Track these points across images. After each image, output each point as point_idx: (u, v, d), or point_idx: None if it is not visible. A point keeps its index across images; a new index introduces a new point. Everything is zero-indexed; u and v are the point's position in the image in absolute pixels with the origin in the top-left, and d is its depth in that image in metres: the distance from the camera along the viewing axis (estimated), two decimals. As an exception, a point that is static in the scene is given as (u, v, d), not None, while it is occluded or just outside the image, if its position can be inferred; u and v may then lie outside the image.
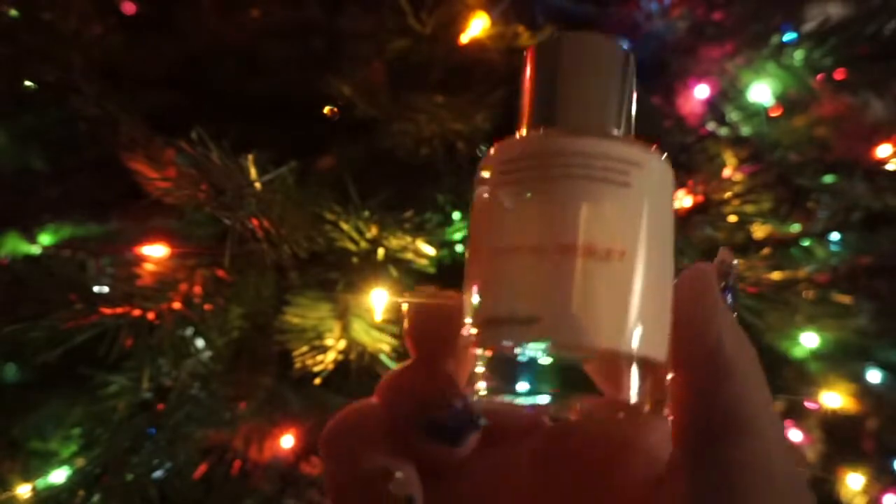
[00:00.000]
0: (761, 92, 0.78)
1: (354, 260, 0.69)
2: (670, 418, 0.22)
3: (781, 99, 0.79)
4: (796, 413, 0.86)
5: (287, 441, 0.74)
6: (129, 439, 0.65)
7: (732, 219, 0.76)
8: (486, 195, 0.22)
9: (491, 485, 0.24)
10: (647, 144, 0.22)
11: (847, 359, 0.87)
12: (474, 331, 0.21)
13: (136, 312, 0.61)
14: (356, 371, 0.67)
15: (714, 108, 0.80)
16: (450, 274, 0.73)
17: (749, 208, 0.75)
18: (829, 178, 0.81)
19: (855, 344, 0.86)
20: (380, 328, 0.67)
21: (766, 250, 0.78)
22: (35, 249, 0.77)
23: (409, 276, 0.70)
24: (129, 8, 0.80)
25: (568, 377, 0.21)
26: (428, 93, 0.73)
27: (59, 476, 0.65)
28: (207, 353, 0.68)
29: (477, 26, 0.72)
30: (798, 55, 0.77)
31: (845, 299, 0.82)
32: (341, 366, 0.67)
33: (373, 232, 0.68)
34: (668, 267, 0.22)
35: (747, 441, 0.20)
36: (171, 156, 0.63)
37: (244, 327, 0.70)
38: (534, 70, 0.24)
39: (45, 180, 0.83)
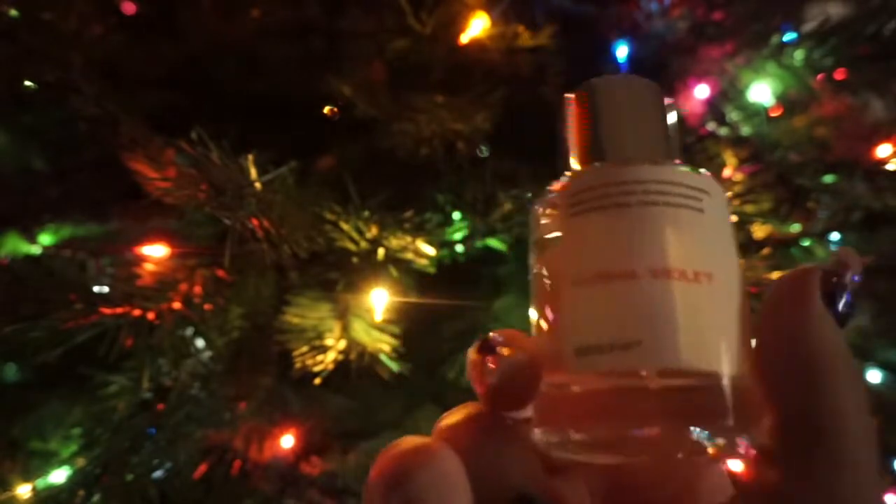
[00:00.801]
0: (761, 92, 0.78)
1: (354, 260, 0.69)
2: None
3: (781, 99, 0.79)
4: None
5: (287, 441, 0.74)
6: (129, 439, 0.65)
7: (732, 219, 0.76)
8: (553, 226, 0.22)
9: None
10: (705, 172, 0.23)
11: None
12: (565, 361, 0.21)
13: (136, 312, 0.61)
14: (356, 371, 0.67)
15: (714, 108, 0.80)
16: (450, 274, 0.73)
17: (749, 208, 0.75)
18: (829, 178, 0.81)
19: (855, 344, 0.86)
20: (380, 328, 0.67)
21: (766, 250, 0.78)
22: (35, 249, 0.77)
23: (409, 276, 0.70)
24: (129, 8, 0.80)
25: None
26: (428, 93, 0.73)
27: (59, 476, 0.65)
28: (207, 353, 0.68)
29: (477, 26, 0.72)
30: (798, 55, 0.77)
31: (845, 299, 0.81)
32: (341, 366, 0.67)
33: (373, 232, 0.68)
34: (741, 287, 0.22)
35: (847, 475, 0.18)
36: (171, 156, 0.63)
37: (244, 327, 0.70)
38: (584, 110, 0.25)
39: (45, 180, 0.83)
